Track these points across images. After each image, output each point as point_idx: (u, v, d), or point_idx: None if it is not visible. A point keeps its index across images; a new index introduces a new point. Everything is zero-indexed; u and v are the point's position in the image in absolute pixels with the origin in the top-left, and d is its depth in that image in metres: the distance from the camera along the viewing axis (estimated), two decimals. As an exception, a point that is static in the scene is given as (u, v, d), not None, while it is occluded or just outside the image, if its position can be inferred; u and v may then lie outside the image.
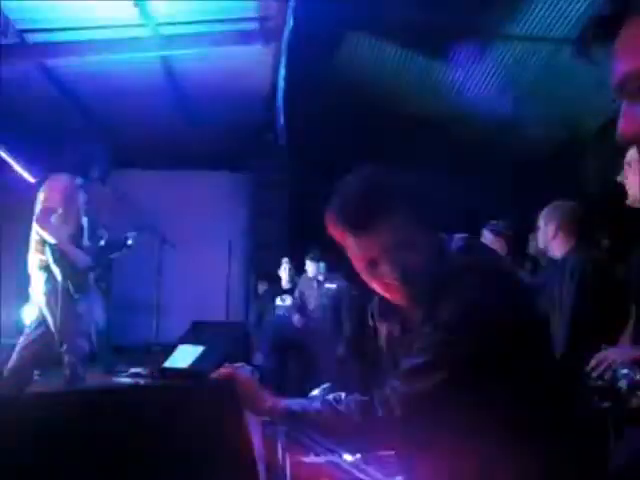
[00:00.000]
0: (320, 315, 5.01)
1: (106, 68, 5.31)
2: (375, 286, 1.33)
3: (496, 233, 3.55)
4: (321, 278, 5.15)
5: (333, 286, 5.09)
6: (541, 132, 6.45)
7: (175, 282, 7.01)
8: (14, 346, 3.66)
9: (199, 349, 5.32)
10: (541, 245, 3.00)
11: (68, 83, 5.71)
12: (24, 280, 3.91)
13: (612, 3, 0.58)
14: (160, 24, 4.78)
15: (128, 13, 4.54)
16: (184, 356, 5.36)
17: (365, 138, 5.73)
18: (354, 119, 5.47)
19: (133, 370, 6.04)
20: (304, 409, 1.28)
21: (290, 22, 3.92)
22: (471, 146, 6.38)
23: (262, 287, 6.27)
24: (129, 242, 3.86)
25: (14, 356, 3.57)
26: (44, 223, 3.54)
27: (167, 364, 5.28)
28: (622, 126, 0.62)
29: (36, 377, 5.62)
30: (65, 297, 3.49)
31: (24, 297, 4.57)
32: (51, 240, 3.52)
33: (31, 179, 3.47)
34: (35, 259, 3.63)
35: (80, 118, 6.35)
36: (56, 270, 3.51)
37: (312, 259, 5.13)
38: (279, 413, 1.28)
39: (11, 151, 5.30)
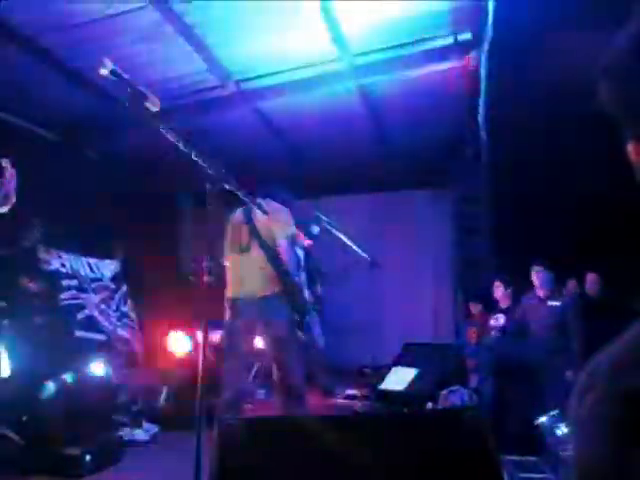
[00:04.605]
0: (544, 336, 4.65)
1: (305, 102, 5.64)
2: None
3: None
4: (543, 296, 4.78)
5: (557, 303, 4.70)
6: None
7: (384, 303, 7.10)
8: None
9: (413, 371, 5.31)
10: None
11: (274, 121, 6.20)
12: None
13: None
14: (356, 55, 4.95)
15: (326, 50, 4.80)
16: (399, 378, 5.40)
17: (574, 147, 5.25)
18: (562, 128, 5.05)
19: (349, 392, 6.25)
20: None
21: (489, 31, 3.75)
22: None
23: (476, 308, 6.04)
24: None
25: (228, 377, 3.48)
26: (288, 253, 3.51)
27: (383, 386, 5.36)
28: None
29: (261, 395, 6.06)
30: (293, 324, 3.54)
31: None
32: (288, 269, 3.50)
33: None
34: (267, 286, 3.54)
35: (284, 150, 6.85)
36: (287, 298, 3.52)
37: (536, 274, 4.79)
38: None
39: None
